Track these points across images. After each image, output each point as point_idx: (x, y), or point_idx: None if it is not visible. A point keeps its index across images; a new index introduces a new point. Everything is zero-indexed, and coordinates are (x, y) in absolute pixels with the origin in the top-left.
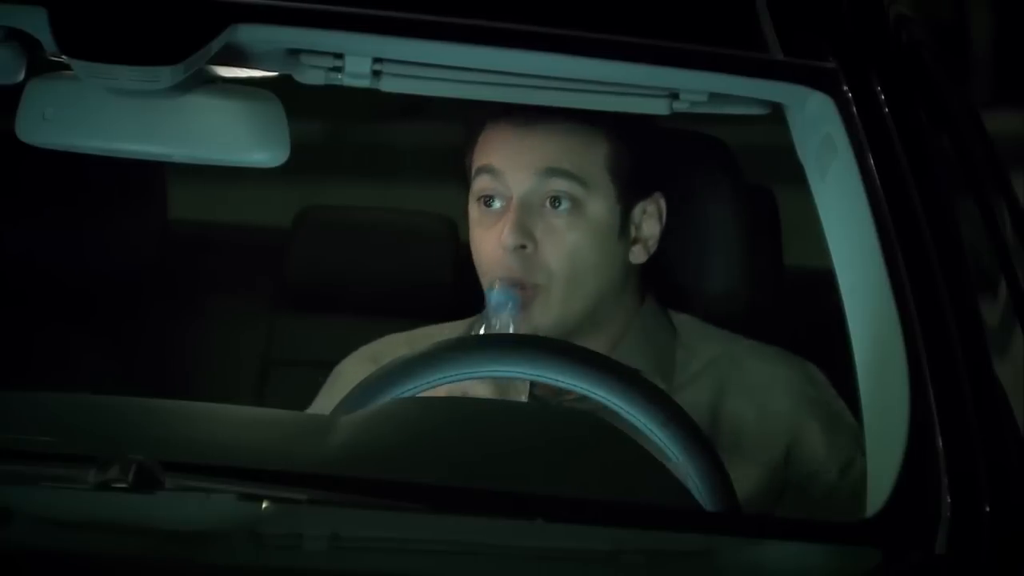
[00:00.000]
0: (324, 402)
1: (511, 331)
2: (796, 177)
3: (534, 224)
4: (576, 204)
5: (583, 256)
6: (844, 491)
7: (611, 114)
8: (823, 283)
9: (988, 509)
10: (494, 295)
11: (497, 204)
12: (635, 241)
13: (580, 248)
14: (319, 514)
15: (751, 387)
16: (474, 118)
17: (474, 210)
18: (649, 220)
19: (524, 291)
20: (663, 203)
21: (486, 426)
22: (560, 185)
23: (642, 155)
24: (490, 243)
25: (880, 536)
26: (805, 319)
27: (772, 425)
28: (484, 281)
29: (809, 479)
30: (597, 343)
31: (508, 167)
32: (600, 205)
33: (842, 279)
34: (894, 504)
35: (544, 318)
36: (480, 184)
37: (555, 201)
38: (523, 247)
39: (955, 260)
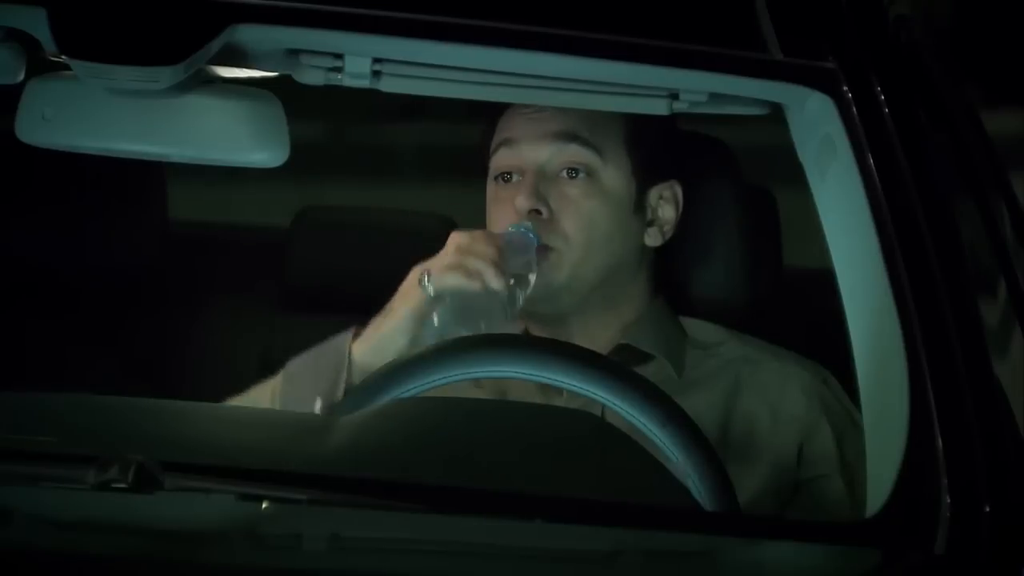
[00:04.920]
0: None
1: (533, 268)
2: (796, 177)
3: (549, 191)
4: (591, 173)
5: (597, 224)
6: (852, 494)
7: None
8: (823, 283)
9: (988, 509)
10: (510, 231)
11: (514, 178)
12: (651, 223)
13: (595, 216)
14: (319, 514)
15: (766, 388)
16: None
17: (491, 189)
18: (665, 205)
19: (538, 251)
20: (679, 190)
21: (486, 426)
22: (576, 153)
23: (658, 139)
24: (504, 212)
25: (880, 536)
26: (805, 319)
27: (786, 425)
28: None
29: (819, 480)
30: (609, 324)
31: (525, 137)
32: (615, 176)
33: (842, 279)
34: (894, 504)
35: (555, 278)
36: (498, 159)
37: (571, 171)
38: (537, 212)
39: (955, 260)
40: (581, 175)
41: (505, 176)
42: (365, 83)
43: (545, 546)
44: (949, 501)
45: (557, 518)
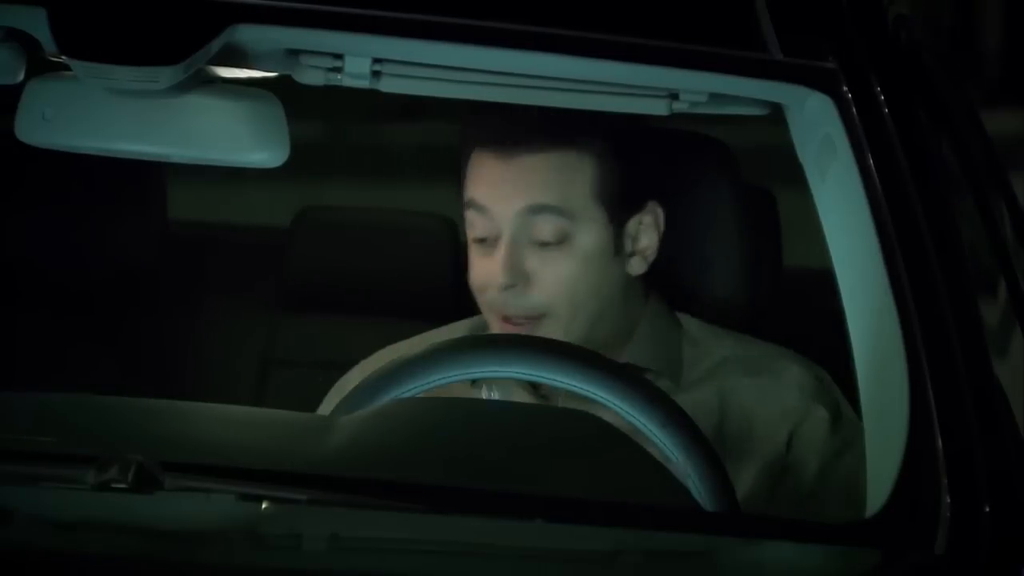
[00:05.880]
0: (329, 407)
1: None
2: (796, 177)
3: (525, 260)
4: (566, 237)
5: (579, 284)
6: (840, 482)
7: (595, 134)
8: (823, 283)
9: (988, 509)
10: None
11: (488, 238)
12: (632, 254)
13: (575, 277)
14: (319, 514)
15: (759, 385)
16: (463, 143)
17: (469, 237)
18: (646, 231)
19: (524, 325)
20: (660, 211)
21: (486, 426)
22: (547, 222)
23: (630, 171)
24: (484, 276)
25: (880, 536)
26: (805, 319)
27: (778, 419)
28: (483, 311)
29: (809, 468)
30: (604, 347)
31: (494, 204)
32: (590, 233)
33: (842, 279)
34: (894, 504)
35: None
36: (470, 218)
37: (544, 238)
38: (515, 285)
39: (955, 260)
40: (556, 241)
41: (479, 235)
42: (365, 83)
43: (545, 546)
44: (949, 501)
45: (557, 518)
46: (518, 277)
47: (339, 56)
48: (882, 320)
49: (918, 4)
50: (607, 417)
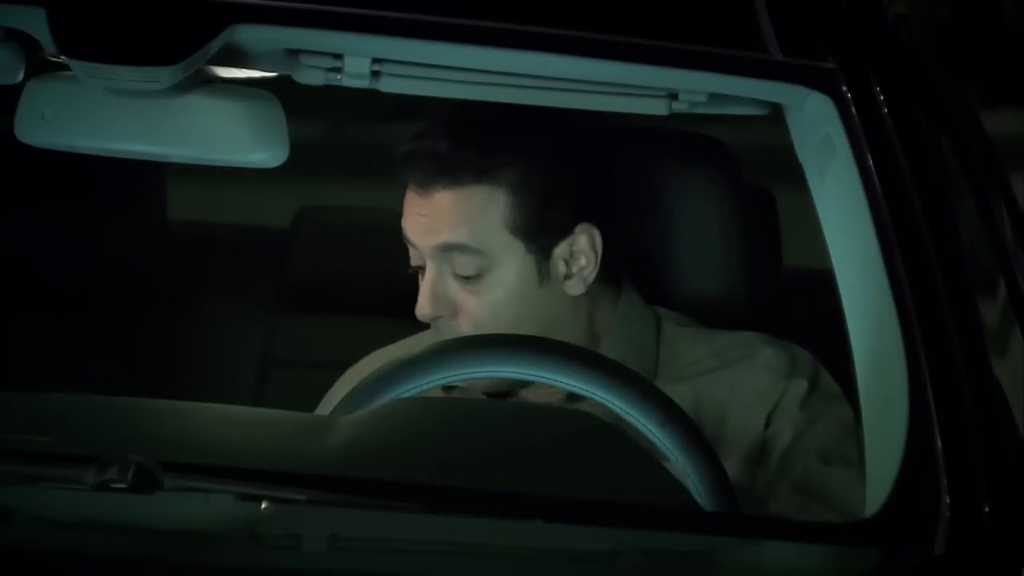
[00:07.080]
0: (324, 411)
1: None
2: (796, 177)
3: (450, 292)
4: (484, 271)
5: (504, 314)
6: (813, 452)
7: (511, 163)
8: (823, 283)
9: (987, 509)
10: None
11: (422, 269)
12: (568, 276)
13: (499, 308)
14: (318, 514)
15: (732, 376)
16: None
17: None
18: (578, 255)
19: None
20: (595, 232)
21: (486, 426)
22: (461, 260)
23: (552, 199)
24: (421, 305)
25: (879, 536)
26: (805, 319)
27: (753, 406)
28: None
29: (780, 439)
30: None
31: (416, 239)
32: (509, 266)
33: (841, 279)
34: (893, 504)
35: None
36: (409, 249)
37: (464, 272)
38: (443, 316)
39: (955, 260)
40: (473, 277)
41: (417, 266)
42: (364, 83)
43: (545, 546)
44: (949, 501)
45: (557, 518)
46: (444, 308)
47: (339, 56)
48: (882, 320)
49: (918, 4)
50: (607, 417)
